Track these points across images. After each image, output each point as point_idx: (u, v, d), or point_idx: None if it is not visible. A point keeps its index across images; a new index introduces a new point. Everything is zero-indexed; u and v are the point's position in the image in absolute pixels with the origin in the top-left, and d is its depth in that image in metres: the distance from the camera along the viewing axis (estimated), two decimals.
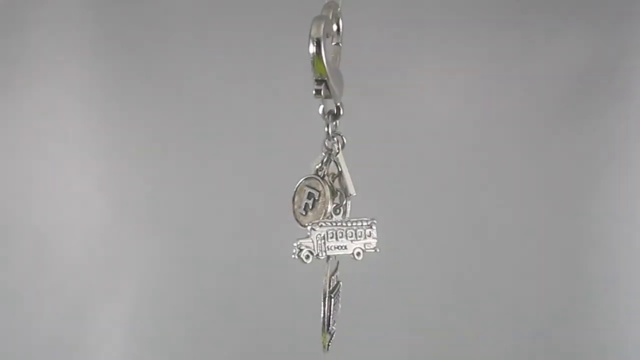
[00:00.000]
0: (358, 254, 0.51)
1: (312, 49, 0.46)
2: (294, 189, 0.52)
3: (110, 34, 0.96)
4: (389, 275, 0.95)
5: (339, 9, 0.52)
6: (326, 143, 0.52)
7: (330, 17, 0.50)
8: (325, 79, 0.48)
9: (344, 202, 0.52)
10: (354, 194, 0.52)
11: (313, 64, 0.46)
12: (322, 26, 0.46)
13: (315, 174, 0.52)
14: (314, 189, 0.52)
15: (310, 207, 0.52)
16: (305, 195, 0.52)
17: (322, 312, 0.51)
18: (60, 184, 0.98)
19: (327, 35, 0.49)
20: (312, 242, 0.50)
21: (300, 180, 0.52)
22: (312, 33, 0.46)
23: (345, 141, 0.53)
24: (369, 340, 0.97)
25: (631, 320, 0.97)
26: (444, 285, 0.99)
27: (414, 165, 0.97)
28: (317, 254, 0.50)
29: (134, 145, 0.98)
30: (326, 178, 0.52)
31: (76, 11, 0.95)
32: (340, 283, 0.54)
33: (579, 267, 0.97)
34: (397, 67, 0.96)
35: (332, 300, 0.52)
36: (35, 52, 0.95)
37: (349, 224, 0.51)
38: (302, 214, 0.52)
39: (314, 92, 0.48)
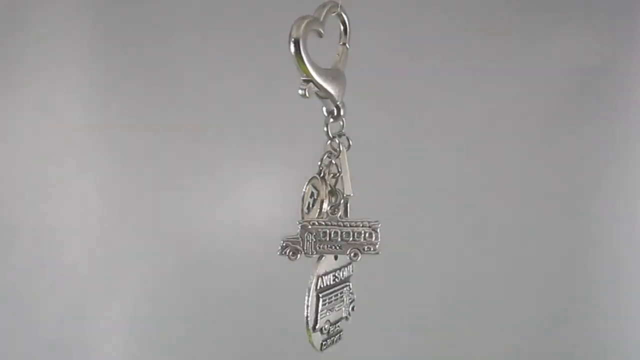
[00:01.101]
0: (355, 255, 0.50)
1: (291, 48, 0.46)
2: (304, 189, 0.52)
3: (110, 34, 0.96)
4: (388, 275, 0.95)
5: (338, 8, 0.51)
6: (330, 143, 0.52)
7: (323, 16, 0.49)
8: (310, 79, 0.48)
9: (341, 202, 0.52)
10: (351, 195, 0.51)
11: (296, 63, 0.47)
12: (303, 26, 0.46)
13: (318, 174, 0.52)
14: (315, 188, 0.52)
15: (311, 205, 0.52)
16: (309, 195, 0.52)
17: (305, 310, 0.50)
18: (60, 184, 0.98)
19: (319, 34, 0.48)
20: (301, 240, 0.50)
21: (308, 180, 0.52)
22: (292, 33, 0.46)
23: (350, 143, 0.53)
24: (369, 340, 0.97)
25: (631, 320, 0.97)
26: (444, 285, 0.99)
27: (414, 165, 0.97)
28: (307, 252, 0.50)
29: (134, 145, 0.98)
30: (327, 178, 0.52)
31: (76, 11, 0.95)
32: (349, 284, 0.54)
33: (579, 267, 0.97)
34: (397, 67, 0.96)
35: (321, 298, 0.51)
36: (35, 52, 0.95)
37: (347, 225, 0.50)
38: (306, 212, 0.52)
39: (299, 91, 0.48)
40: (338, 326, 0.53)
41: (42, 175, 0.97)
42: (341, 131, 0.52)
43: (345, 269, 0.53)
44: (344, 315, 0.54)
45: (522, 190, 0.98)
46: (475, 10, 0.95)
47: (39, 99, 0.96)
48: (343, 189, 0.52)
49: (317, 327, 0.51)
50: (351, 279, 0.54)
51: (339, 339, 0.54)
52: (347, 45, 0.53)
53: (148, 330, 0.99)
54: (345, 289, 0.54)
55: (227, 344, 1.00)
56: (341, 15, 0.52)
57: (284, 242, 0.50)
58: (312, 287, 0.51)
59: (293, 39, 0.46)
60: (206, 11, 0.96)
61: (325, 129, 0.52)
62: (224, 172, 0.98)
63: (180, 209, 0.99)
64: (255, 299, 0.98)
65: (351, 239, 0.50)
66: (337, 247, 0.50)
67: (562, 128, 0.96)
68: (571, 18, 0.94)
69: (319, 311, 0.51)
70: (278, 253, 0.50)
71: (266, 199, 0.96)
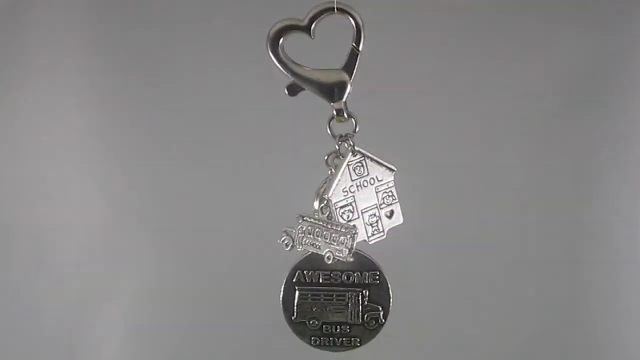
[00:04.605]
0: (328, 257, 0.51)
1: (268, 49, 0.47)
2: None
3: (110, 34, 0.96)
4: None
5: (333, 10, 0.51)
6: (336, 143, 0.53)
7: (308, 18, 0.50)
8: (292, 78, 0.49)
9: (325, 203, 0.52)
10: (329, 196, 0.51)
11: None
12: (276, 28, 0.47)
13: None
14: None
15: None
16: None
17: (280, 299, 0.52)
18: (60, 184, 0.98)
19: (311, 34, 0.49)
20: (295, 232, 0.51)
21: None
22: (268, 34, 0.47)
23: (356, 149, 0.53)
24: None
25: (631, 320, 0.97)
26: (443, 285, 0.98)
27: (414, 165, 0.97)
28: (296, 245, 0.51)
29: (134, 145, 0.98)
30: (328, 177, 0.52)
31: (76, 11, 0.95)
32: (362, 291, 0.53)
33: (579, 267, 0.97)
34: (397, 67, 0.96)
35: (298, 291, 0.52)
36: (35, 52, 0.95)
37: (329, 226, 0.51)
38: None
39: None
40: (347, 330, 0.53)
41: (42, 175, 0.97)
42: (349, 133, 0.53)
43: (359, 274, 0.53)
44: (350, 320, 0.54)
45: (522, 190, 0.98)
46: (474, 10, 0.95)
47: (39, 99, 0.96)
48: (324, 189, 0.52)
49: (295, 318, 0.53)
50: (373, 288, 0.54)
51: (349, 344, 0.54)
52: (356, 46, 0.53)
53: (148, 330, 0.99)
54: (350, 294, 0.53)
55: (227, 344, 1.00)
56: (352, 15, 0.52)
57: (283, 231, 0.52)
58: (288, 278, 0.53)
59: (267, 40, 0.47)
60: (206, 11, 0.96)
61: (327, 128, 0.53)
62: (224, 172, 0.98)
63: (180, 209, 0.99)
64: (255, 298, 0.98)
65: (329, 240, 0.51)
66: (317, 247, 0.51)
67: (562, 128, 0.96)
68: (572, 18, 0.94)
69: (296, 304, 0.52)
70: (279, 241, 0.52)
71: (268, 199, 0.95)
